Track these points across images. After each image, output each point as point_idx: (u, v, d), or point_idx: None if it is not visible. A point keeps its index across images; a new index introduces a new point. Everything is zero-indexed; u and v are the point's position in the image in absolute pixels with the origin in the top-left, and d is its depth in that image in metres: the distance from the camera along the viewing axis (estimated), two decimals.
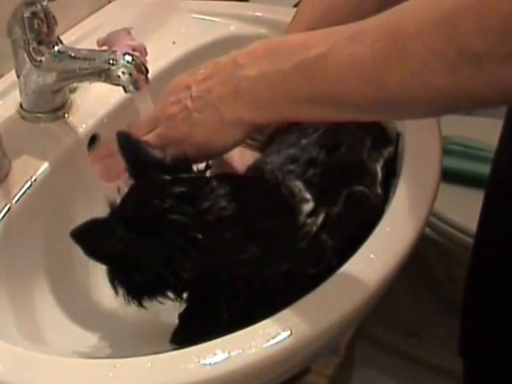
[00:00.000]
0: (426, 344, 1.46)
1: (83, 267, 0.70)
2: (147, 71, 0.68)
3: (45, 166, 0.68)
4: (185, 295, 0.57)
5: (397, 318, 1.44)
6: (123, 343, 0.64)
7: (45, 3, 0.70)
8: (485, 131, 1.22)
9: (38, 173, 0.67)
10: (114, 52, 0.68)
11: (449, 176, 1.17)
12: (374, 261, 0.55)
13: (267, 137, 0.68)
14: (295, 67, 0.49)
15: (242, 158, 0.66)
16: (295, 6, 0.92)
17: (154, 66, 0.73)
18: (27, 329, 0.60)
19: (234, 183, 0.55)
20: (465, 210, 1.24)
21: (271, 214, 0.55)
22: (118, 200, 0.55)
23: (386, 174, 0.63)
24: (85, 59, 0.69)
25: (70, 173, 0.72)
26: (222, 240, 0.52)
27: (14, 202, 0.64)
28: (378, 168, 0.63)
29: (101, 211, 0.55)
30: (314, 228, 0.55)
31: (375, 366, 1.43)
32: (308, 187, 0.57)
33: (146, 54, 0.77)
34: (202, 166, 0.58)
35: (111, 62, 0.67)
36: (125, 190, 0.55)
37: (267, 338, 0.49)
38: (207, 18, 0.95)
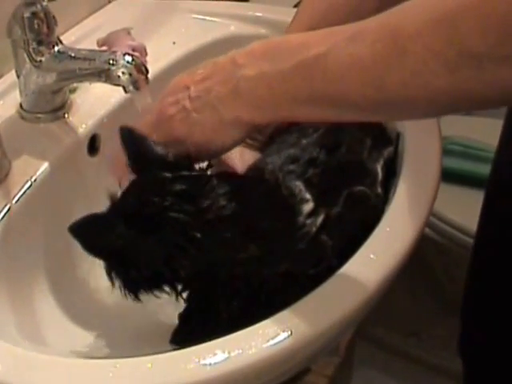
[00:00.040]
0: (425, 344, 1.46)
1: (83, 267, 0.70)
2: (147, 71, 0.68)
3: (45, 166, 0.68)
4: (184, 295, 0.57)
5: (397, 318, 1.44)
6: (123, 343, 0.64)
7: (45, 3, 0.70)
8: (485, 131, 1.22)
9: (38, 173, 0.67)
10: (114, 52, 0.68)
11: (449, 176, 1.17)
12: (373, 261, 0.55)
13: (267, 137, 0.68)
14: (295, 67, 0.49)
15: (242, 158, 0.66)
16: (295, 6, 0.93)
17: (154, 67, 0.73)
18: (27, 329, 0.60)
19: (234, 182, 0.55)
20: (465, 210, 1.24)
21: (271, 214, 0.55)
22: (119, 193, 0.55)
23: (386, 174, 0.63)
24: (85, 59, 0.69)
25: (70, 173, 0.72)
26: (221, 239, 0.52)
27: (14, 202, 0.64)
28: (379, 168, 0.63)
29: (101, 211, 0.55)
30: (314, 228, 0.55)
31: (375, 366, 1.43)
32: (308, 187, 0.57)
33: (146, 54, 0.77)
34: (203, 164, 0.58)
35: (111, 62, 0.67)
36: (126, 183, 0.55)
37: (267, 338, 0.49)
38: (207, 18, 0.95)
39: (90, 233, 0.54)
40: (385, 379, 1.43)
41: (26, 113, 0.75)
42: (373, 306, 0.56)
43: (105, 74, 0.68)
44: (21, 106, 0.75)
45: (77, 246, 0.54)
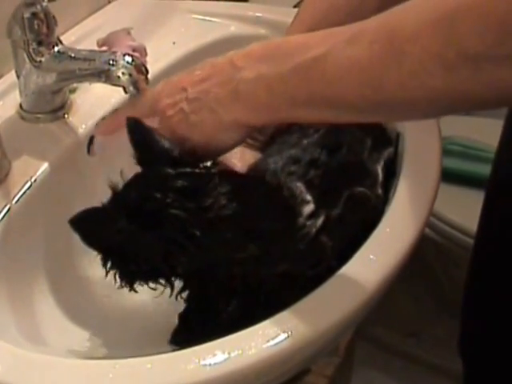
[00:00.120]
0: (425, 344, 1.46)
1: (83, 267, 0.70)
2: (147, 72, 0.68)
3: (45, 166, 0.68)
4: (184, 295, 0.57)
5: (396, 318, 1.45)
6: (123, 344, 0.64)
7: (45, 4, 0.70)
8: (485, 131, 1.22)
9: (37, 173, 0.67)
10: (114, 53, 0.68)
11: (449, 176, 1.17)
12: (373, 262, 0.55)
13: (268, 137, 0.68)
14: (293, 69, 0.49)
15: (242, 158, 0.66)
16: (295, 6, 0.93)
17: (153, 67, 0.73)
18: (27, 329, 0.60)
19: (236, 182, 0.55)
20: (465, 210, 1.24)
21: (271, 214, 0.55)
22: (121, 184, 0.55)
23: (386, 174, 0.63)
24: (85, 60, 0.69)
25: (70, 173, 0.72)
26: (221, 238, 0.52)
27: (13, 202, 0.64)
28: (379, 169, 0.63)
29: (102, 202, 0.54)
30: (314, 230, 0.55)
31: (375, 366, 1.43)
32: (309, 189, 0.57)
33: (146, 54, 0.77)
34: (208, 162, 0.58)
35: (111, 62, 0.67)
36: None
37: (267, 338, 0.49)
38: (207, 18, 0.95)
39: (90, 226, 0.54)
40: (384, 379, 1.43)
41: (25, 113, 0.75)
42: (372, 307, 0.56)
43: (105, 75, 0.68)
44: (21, 106, 0.75)
45: (77, 247, 0.54)
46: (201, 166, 0.56)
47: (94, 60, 0.69)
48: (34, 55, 0.70)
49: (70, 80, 0.73)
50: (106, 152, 0.65)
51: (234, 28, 0.93)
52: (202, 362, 0.47)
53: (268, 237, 0.53)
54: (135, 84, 0.66)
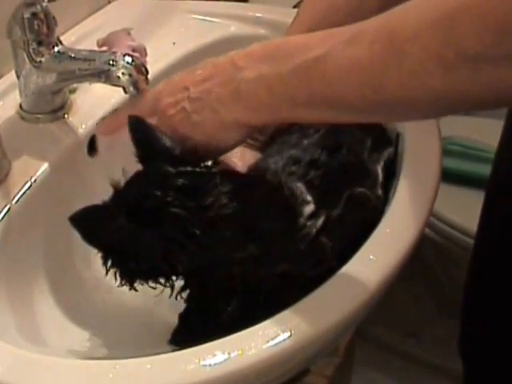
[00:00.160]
0: (425, 344, 1.46)
1: (83, 267, 0.70)
2: (147, 72, 0.68)
3: (45, 166, 0.68)
4: (184, 295, 0.57)
5: (396, 318, 1.44)
6: (123, 344, 0.64)
7: (45, 4, 0.70)
8: (485, 131, 1.22)
9: (37, 173, 0.67)
10: (114, 53, 0.68)
11: (449, 176, 1.17)
12: (373, 262, 0.55)
13: (268, 137, 0.68)
14: (294, 69, 0.49)
15: (242, 158, 0.66)
16: (295, 6, 0.93)
17: (153, 67, 0.73)
18: (27, 329, 0.60)
19: (237, 181, 0.55)
20: (465, 210, 1.24)
21: (272, 214, 0.55)
22: (122, 182, 0.55)
23: (386, 174, 0.63)
24: (85, 60, 0.69)
25: (70, 173, 0.72)
26: (221, 237, 0.52)
27: (13, 202, 0.64)
28: (379, 169, 0.63)
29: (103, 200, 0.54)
30: (314, 230, 0.55)
31: (375, 366, 1.43)
32: (309, 189, 0.57)
33: (146, 54, 0.77)
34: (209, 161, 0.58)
35: (111, 62, 0.67)
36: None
37: (267, 338, 0.49)
38: (207, 18, 0.95)
39: (90, 224, 0.54)
40: (384, 379, 1.43)
41: (25, 113, 0.75)
42: (373, 307, 0.56)
43: (105, 75, 0.68)
44: (20, 106, 0.75)
45: (77, 247, 0.54)
46: (201, 165, 0.56)
47: (94, 60, 0.69)
48: (34, 55, 0.70)
49: (70, 80, 0.73)
50: (108, 152, 0.65)
51: (233, 28, 0.93)
52: (202, 363, 0.47)
53: (268, 237, 0.53)
54: (135, 84, 0.66)
